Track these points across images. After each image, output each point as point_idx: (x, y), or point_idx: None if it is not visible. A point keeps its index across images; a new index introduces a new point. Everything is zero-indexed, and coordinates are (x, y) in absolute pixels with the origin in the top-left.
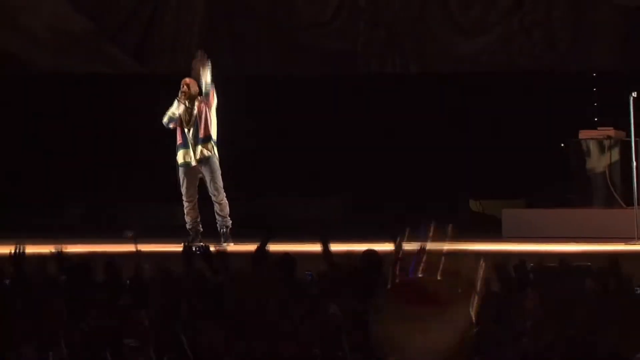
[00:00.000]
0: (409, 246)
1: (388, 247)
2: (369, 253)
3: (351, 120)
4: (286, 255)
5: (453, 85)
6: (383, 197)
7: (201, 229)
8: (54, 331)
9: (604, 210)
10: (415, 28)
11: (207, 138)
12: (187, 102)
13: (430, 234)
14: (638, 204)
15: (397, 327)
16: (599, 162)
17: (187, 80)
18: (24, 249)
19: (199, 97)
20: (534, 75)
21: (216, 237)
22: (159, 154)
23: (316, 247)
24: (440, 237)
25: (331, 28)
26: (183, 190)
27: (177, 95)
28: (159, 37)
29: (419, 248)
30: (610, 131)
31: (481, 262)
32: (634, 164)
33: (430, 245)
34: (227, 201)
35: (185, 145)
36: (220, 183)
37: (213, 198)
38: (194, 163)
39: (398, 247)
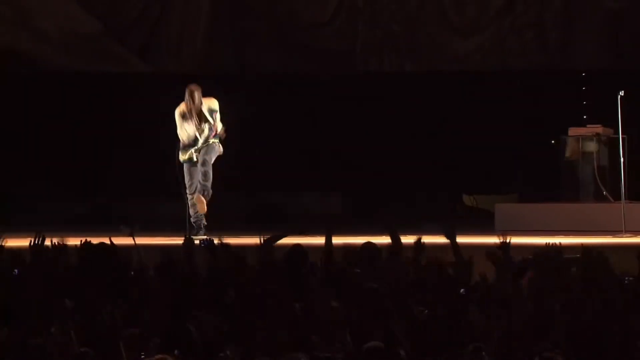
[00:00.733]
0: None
1: (385, 240)
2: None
3: (350, 117)
4: (297, 246)
5: (448, 83)
6: (381, 192)
7: (205, 222)
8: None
9: (592, 205)
10: (411, 28)
11: (212, 131)
12: (193, 110)
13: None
14: (625, 199)
15: None
16: (588, 158)
17: (192, 87)
18: (43, 238)
19: (208, 107)
20: (525, 75)
21: (219, 230)
22: (164, 151)
23: (319, 241)
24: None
25: (331, 28)
26: (187, 183)
27: (182, 96)
28: (165, 37)
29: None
30: (599, 128)
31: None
32: (622, 160)
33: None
34: (211, 174)
35: (191, 146)
36: (210, 160)
37: (199, 165)
38: (195, 159)
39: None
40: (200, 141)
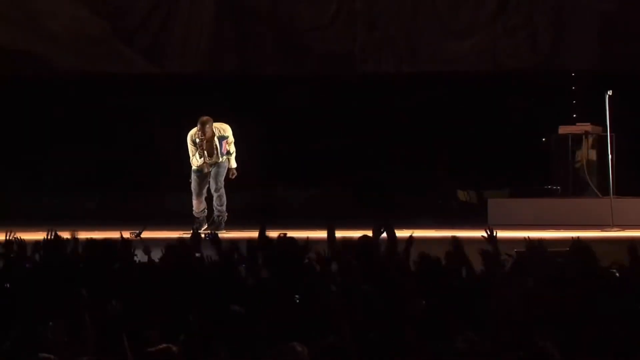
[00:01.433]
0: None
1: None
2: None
3: (349, 117)
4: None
5: (443, 84)
6: (379, 187)
7: (206, 213)
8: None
9: (582, 200)
10: (407, 31)
11: (222, 155)
12: (207, 148)
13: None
14: (613, 194)
15: None
16: (577, 155)
17: (203, 119)
18: (56, 234)
19: (219, 133)
20: (517, 75)
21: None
22: (169, 148)
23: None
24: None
25: (330, 31)
26: (193, 188)
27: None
28: (170, 39)
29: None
30: (588, 127)
31: None
32: (610, 157)
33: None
34: (225, 195)
35: (202, 160)
36: (221, 181)
37: (212, 190)
38: (206, 170)
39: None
40: (210, 161)
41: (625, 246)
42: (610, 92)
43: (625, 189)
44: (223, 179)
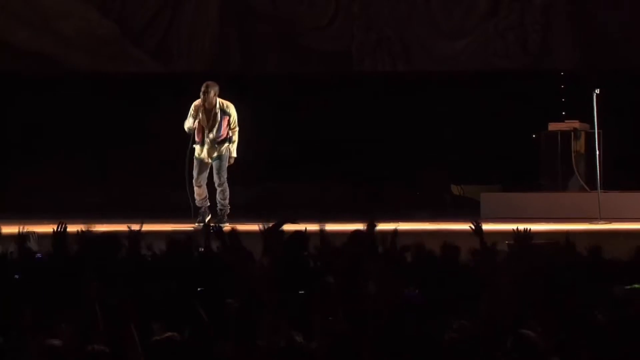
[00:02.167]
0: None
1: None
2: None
3: (346, 114)
4: (299, 232)
5: (437, 82)
6: (376, 182)
7: (209, 203)
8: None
9: (570, 194)
10: (402, 32)
11: (223, 140)
12: (206, 104)
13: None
14: (601, 188)
15: None
16: (566, 151)
17: (208, 83)
18: (65, 227)
19: (221, 106)
20: (508, 74)
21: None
22: (173, 144)
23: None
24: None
25: (328, 32)
26: (194, 175)
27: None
28: (176, 39)
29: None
30: (576, 124)
31: None
32: (597, 152)
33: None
34: (228, 189)
35: (202, 144)
36: (224, 174)
37: (215, 185)
38: (207, 160)
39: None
40: (207, 140)
41: (613, 237)
42: (597, 91)
43: (612, 183)
44: (225, 172)
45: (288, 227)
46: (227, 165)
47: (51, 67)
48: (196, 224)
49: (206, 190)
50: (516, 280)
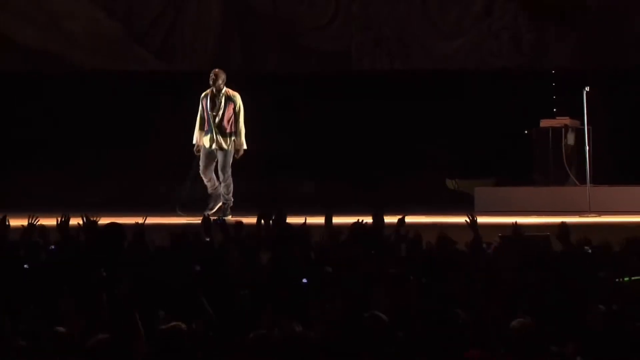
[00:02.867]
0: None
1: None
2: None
3: (344, 110)
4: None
5: (433, 80)
6: (374, 177)
7: (220, 193)
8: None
9: (561, 188)
10: (400, 31)
11: (229, 133)
12: (214, 90)
13: None
14: (590, 183)
15: None
16: (557, 146)
17: (217, 70)
18: (68, 217)
19: (226, 93)
20: (502, 72)
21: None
22: (178, 140)
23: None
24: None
25: (328, 31)
26: (201, 167)
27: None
28: (179, 38)
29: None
30: (567, 120)
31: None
32: (587, 148)
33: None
34: (232, 184)
35: (208, 132)
36: (229, 169)
37: (220, 180)
38: (212, 149)
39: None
40: (213, 126)
41: (602, 230)
42: (587, 89)
43: (601, 177)
44: (230, 168)
45: (289, 220)
46: (231, 160)
47: (57, 66)
48: (207, 212)
49: (216, 181)
50: (509, 270)
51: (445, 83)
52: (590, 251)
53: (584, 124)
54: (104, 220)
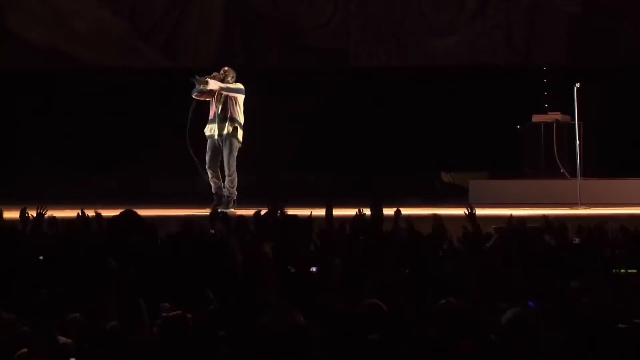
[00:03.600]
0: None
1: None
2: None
3: (342, 106)
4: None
5: (428, 77)
6: (371, 170)
7: (224, 194)
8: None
9: (552, 181)
10: (396, 30)
11: (232, 120)
12: (217, 94)
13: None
14: (580, 176)
15: None
16: (548, 141)
17: (226, 68)
18: (83, 212)
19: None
20: (495, 69)
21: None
22: (181, 135)
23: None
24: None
25: (327, 30)
26: (207, 159)
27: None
28: (183, 36)
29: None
30: (558, 115)
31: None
32: (577, 142)
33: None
34: (236, 177)
35: (213, 121)
36: (233, 163)
37: (225, 174)
38: (216, 136)
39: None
40: (217, 115)
41: (591, 221)
42: (578, 85)
43: (591, 171)
44: (235, 162)
45: (292, 211)
46: (236, 154)
47: (67, 63)
48: (213, 207)
49: (220, 179)
50: (505, 261)
51: (440, 80)
52: (577, 241)
53: (574, 120)
54: (112, 212)
